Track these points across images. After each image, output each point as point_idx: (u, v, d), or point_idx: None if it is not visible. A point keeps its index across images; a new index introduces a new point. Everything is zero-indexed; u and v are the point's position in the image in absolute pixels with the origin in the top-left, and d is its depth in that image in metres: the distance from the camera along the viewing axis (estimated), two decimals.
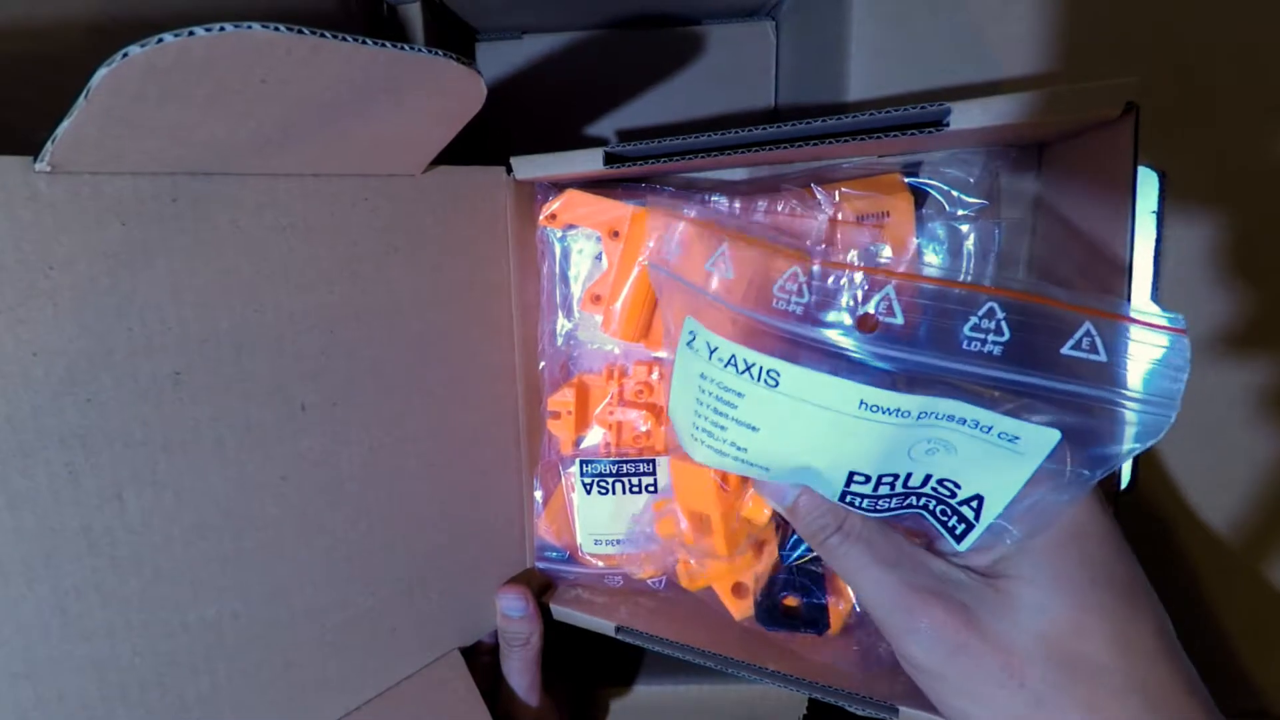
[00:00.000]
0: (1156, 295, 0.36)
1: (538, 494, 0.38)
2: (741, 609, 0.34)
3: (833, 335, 0.23)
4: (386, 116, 0.26)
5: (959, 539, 0.24)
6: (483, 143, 0.37)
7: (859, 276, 0.23)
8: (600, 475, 0.36)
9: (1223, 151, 0.33)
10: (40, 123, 0.21)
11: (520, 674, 0.37)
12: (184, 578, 0.26)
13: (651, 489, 0.36)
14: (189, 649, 0.26)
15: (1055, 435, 0.21)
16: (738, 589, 0.33)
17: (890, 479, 0.24)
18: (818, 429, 0.23)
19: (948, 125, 0.26)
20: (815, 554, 0.30)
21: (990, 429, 0.22)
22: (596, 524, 0.37)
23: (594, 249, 0.36)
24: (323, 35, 0.18)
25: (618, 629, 0.35)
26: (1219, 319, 0.35)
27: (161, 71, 0.18)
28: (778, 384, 0.23)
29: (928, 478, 0.24)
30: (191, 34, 0.17)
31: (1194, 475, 0.36)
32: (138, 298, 0.24)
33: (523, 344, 0.37)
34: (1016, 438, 0.22)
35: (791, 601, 0.33)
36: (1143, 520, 0.37)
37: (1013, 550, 0.23)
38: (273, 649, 0.29)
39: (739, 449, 0.25)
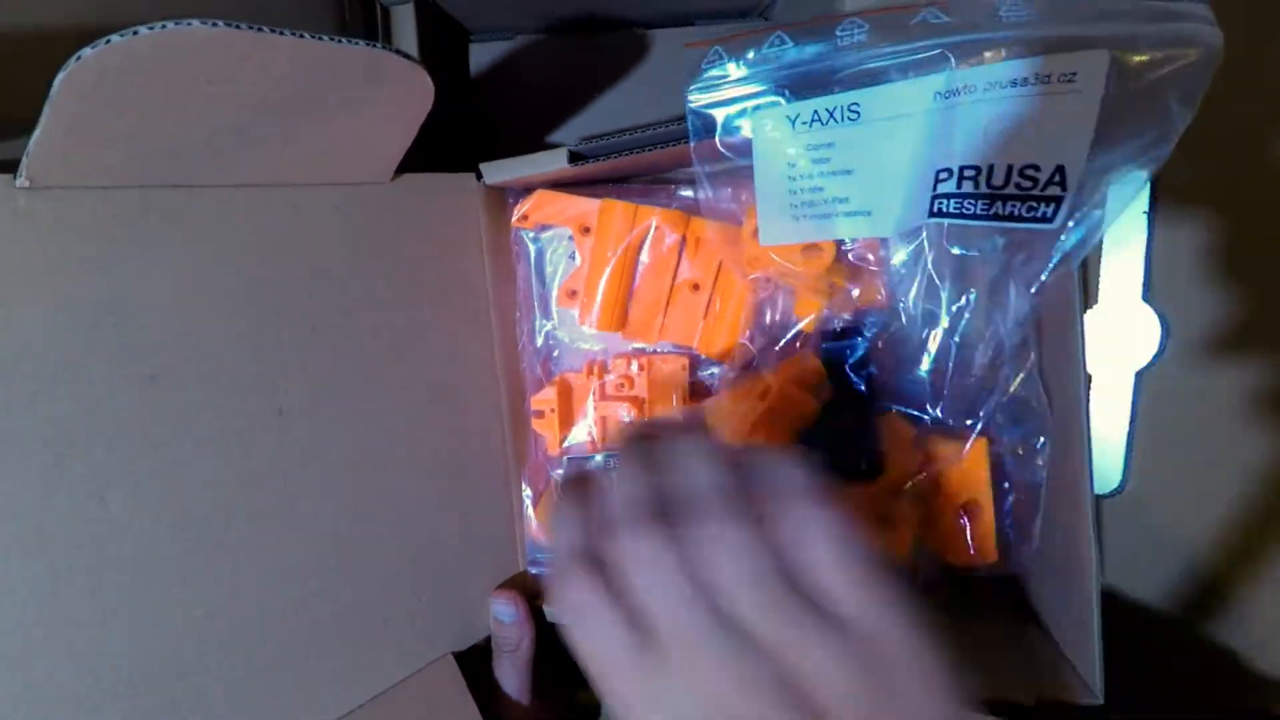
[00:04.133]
0: (1148, 295, 0.35)
1: (526, 494, 0.39)
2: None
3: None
4: (341, 117, 0.27)
5: (1052, 219, 0.26)
6: (484, 143, 0.38)
7: None
8: None
9: (1218, 152, 0.33)
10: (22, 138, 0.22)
11: (511, 678, 0.36)
12: (172, 575, 0.26)
13: None
14: (177, 647, 0.27)
15: (1104, 55, 0.23)
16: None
17: (972, 172, 0.26)
18: (900, 140, 0.26)
19: None
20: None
21: (1048, 77, 0.24)
22: None
23: (568, 247, 0.37)
24: (261, 30, 0.20)
25: None
26: (1211, 320, 0.35)
27: (113, 73, 0.19)
28: (859, 115, 0.27)
29: (1009, 170, 0.26)
30: (136, 33, 0.18)
31: (1188, 476, 0.36)
32: (117, 303, 0.25)
33: (503, 345, 0.38)
34: (1073, 73, 0.24)
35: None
36: (1139, 520, 0.37)
37: None
38: (263, 650, 0.29)
39: (841, 200, 0.28)
